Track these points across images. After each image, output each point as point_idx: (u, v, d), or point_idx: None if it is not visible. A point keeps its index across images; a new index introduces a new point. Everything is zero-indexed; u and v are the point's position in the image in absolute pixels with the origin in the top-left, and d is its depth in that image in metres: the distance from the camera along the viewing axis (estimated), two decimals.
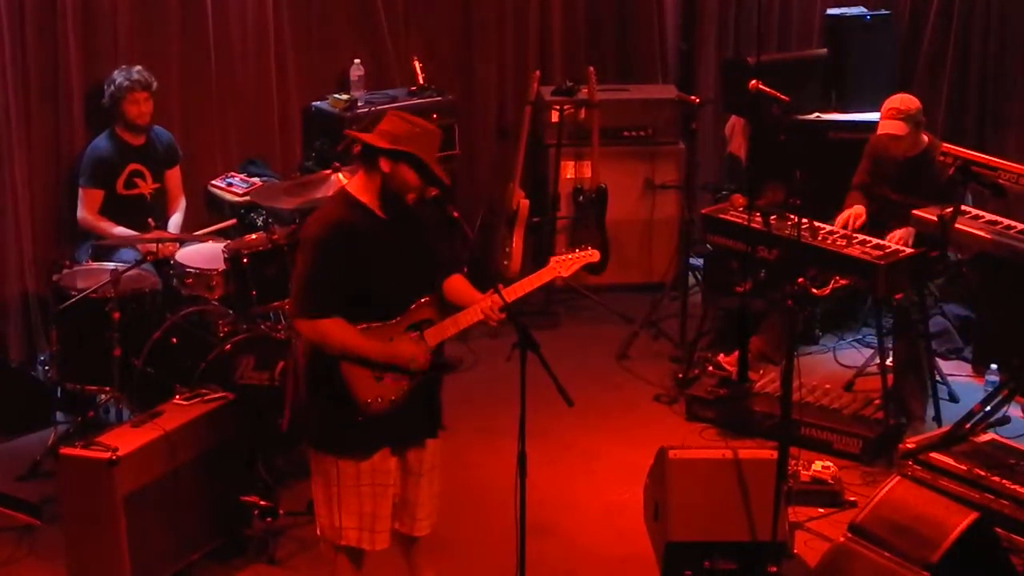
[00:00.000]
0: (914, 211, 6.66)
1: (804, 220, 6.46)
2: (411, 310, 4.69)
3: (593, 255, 4.93)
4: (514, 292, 4.76)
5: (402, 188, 4.63)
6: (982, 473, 5.76)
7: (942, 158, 6.58)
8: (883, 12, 8.57)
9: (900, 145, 6.87)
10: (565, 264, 4.88)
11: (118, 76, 6.88)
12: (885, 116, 6.84)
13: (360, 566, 4.84)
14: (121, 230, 6.81)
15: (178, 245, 6.67)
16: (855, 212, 6.94)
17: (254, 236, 6.52)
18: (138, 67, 6.92)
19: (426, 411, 4.82)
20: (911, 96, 6.93)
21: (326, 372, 4.63)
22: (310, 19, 8.11)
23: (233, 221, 7.25)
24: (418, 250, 4.73)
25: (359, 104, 7.96)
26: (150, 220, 6.60)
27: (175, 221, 7.09)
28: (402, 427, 4.74)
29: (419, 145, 4.59)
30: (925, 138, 6.93)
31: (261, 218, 7.06)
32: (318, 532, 4.84)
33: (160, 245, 6.54)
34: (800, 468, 6.13)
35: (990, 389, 6.76)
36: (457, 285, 4.84)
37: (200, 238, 6.85)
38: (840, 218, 6.91)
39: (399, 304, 4.68)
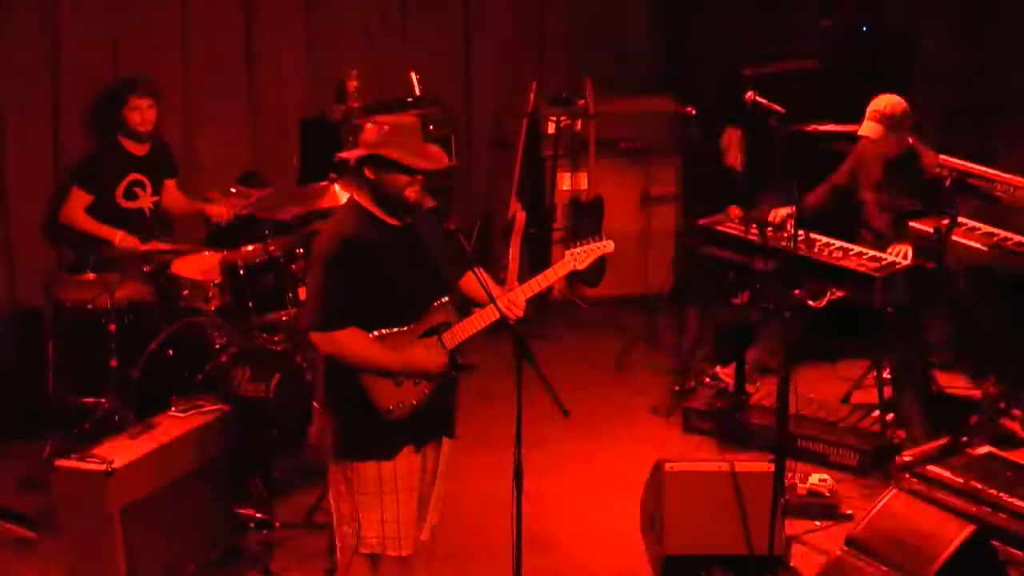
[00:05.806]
0: (911, 223, 6.66)
1: (800, 231, 6.46)
2: (428, 314, 4.69)
3: (608, 245, 4.85)
4: (531, 288, 4.76)
5: (394, 187, 4.61)
6: (979, 486, 5.75)
7: (937, 169, 6.58)
8: (878, 22, 8.57)
9: (883, 146, 6.84)
10: (580, 256, 4.82)
11: (120, 83, 6.87)
12: (867, 117, 6.82)
13: (376, 572, 4.84)
14: (107, 228, 6.71)
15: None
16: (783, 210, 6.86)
17: (251, 247, 6.52)
18: (144, 76, 6.91)
19: (444, 409, 4.82)
20: (897, 98, 6.83)
21: (344, 381, 4.63)
22: (308, 31, 8.11)
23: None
24: (431, 253, 4.72)
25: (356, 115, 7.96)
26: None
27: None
28: (421, 424, 4.73)
29: (390, 141, 4.57)
30: (910, 140, 6.91)
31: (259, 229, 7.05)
32: (338, 541, 4.80)
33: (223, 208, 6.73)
34: (797, 481, 6.13)
35: (987, 401, 6.76)
36: (474, 282, 4.81)
37: (191, 249, 6.82)
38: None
39: (415, 309, 4.68)
